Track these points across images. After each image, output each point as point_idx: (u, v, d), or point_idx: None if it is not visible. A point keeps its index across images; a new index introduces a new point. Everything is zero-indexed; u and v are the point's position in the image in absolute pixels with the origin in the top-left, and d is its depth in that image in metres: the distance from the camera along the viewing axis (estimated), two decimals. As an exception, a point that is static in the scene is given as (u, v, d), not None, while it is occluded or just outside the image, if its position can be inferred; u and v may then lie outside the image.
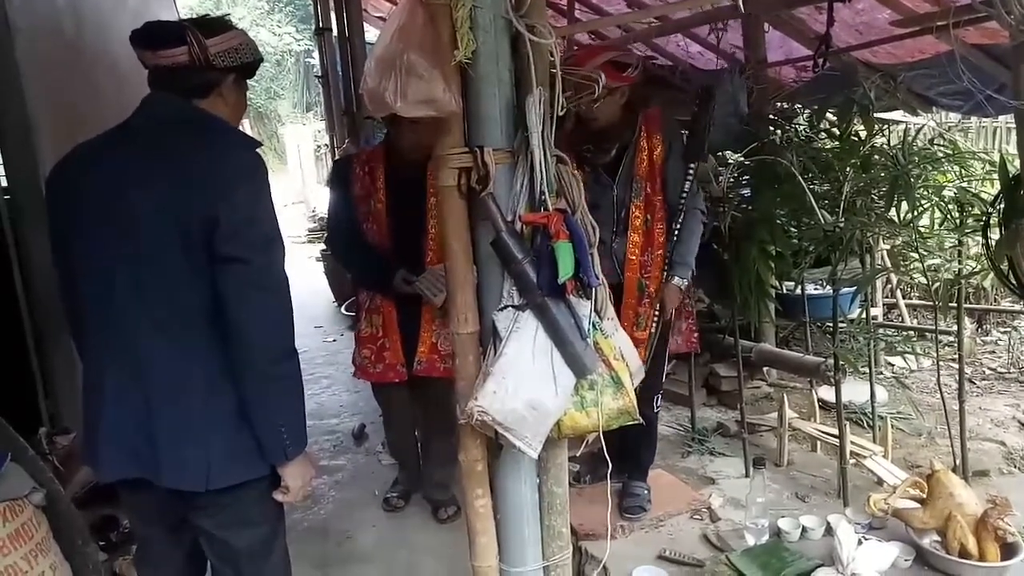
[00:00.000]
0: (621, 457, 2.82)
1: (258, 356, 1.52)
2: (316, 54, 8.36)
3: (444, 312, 2.71)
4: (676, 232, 2.68)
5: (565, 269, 1.49)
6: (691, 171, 2.65)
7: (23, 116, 3.10)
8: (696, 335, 2.99)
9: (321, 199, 11.97)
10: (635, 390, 1.67)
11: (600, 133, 2.61)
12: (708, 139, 2.65)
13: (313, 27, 7.25)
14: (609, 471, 1.79)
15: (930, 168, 2.77)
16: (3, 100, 3.07)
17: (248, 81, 1.73)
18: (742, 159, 3.40)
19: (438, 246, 2.71)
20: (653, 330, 2.73)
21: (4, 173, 3.19)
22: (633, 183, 2.66)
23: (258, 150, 1.64)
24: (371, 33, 6.28)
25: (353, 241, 2.81)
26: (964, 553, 2.17)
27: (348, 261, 3.06)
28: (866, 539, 2.37)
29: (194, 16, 1.67)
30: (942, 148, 2.91)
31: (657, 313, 2.72)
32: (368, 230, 2.78)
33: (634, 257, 2.69)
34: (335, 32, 6.16)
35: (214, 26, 1.60)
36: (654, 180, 2.67)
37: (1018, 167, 2.37)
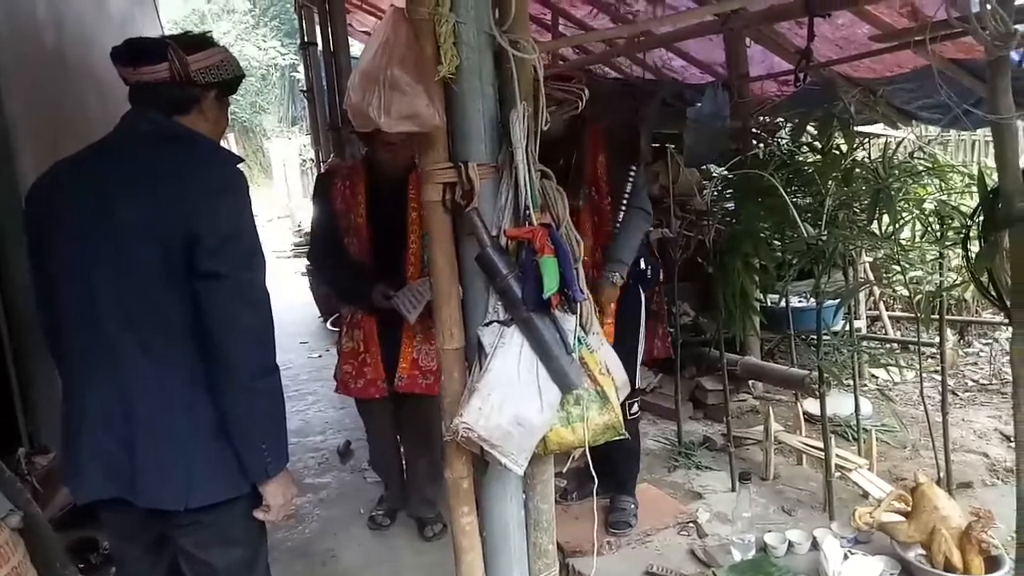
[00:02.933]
0: (607, 472, 2.80)
1: (239, 372, 1.50)
2: (301, 68, 8.36)
3: (425, 327, 2.71)
4: (616, 230, 2.71)
5: (550, 284, 1.48)
6: (631, 173, 2.70)
7: (3, 130, 3.06)
8: (668, 340, 3.03)
9: (306, 214, 11.95)
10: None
11: (547, 145, 2.63)
12: (645, 143, 2.69)
13: (298, 41, 7.26)
14: (595, 487, 1.78)
15: (910, 181, 2.79)
16: (-18, 114, 3.04)
17: (233, 95, 1.73)
18: (726, 173, 3.43)
19: (418, 260, 2.71)
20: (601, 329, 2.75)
21: (-17, 188, 3.15)
22: (580, 190, 2.70)
23: (240, 166, 1.63)
24: (356, 47, 6.29)
25: (334, 255, 2.81)
26: (949, 567, 2.17)
27: (329, 275, 3.06)
28: (852, 553, 2.37)
29: (178, 31, 1.66)
30: (922, 161, 2.94)
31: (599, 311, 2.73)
32: (349, 244, 2.78)
33: (586, 259, 2.71)
34: (320, 46, 6.17)
35: (195, 43, 1.60)
36: (599, 185, 2.72)
37: (996, 180, 2.40)
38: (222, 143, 1.76)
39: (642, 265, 2.78)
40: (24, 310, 3.08)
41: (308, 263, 7.28)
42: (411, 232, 2.70)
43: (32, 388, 3.19)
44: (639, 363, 2.89)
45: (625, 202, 2.69)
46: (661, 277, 2.95)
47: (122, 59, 1.57)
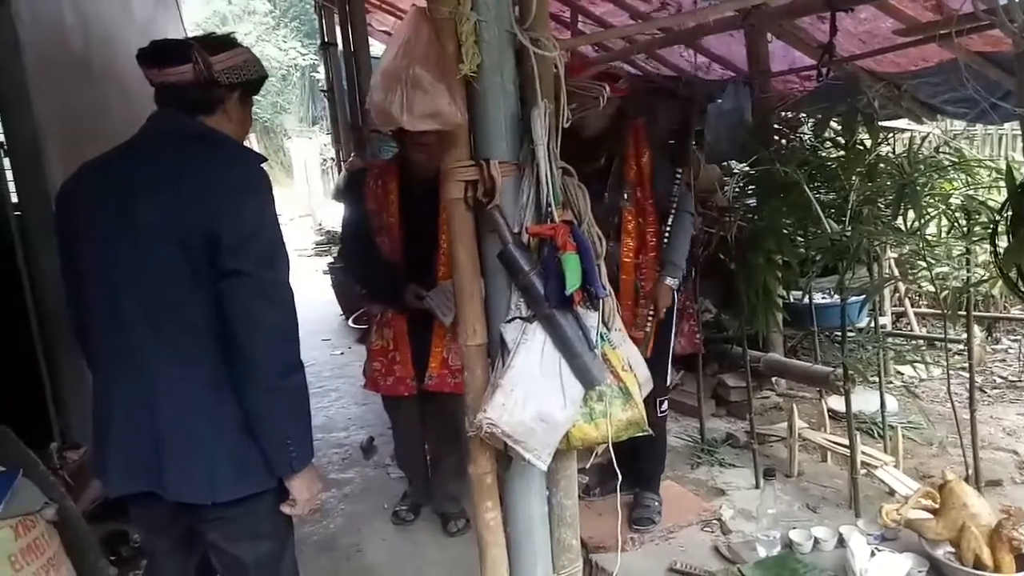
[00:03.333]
0: (631, 468, 2.81)
1: (264, 369, 1.52)
2: (322, 68, 8.42)
3: (454, 327, 2.72)
4: (667, 234, 2.73)
5: (572, 280, 1.48)
6: (678, 175, 2.71)
7: (32, 131, 3.12)
8: (699, 336, 3.03)
9: (327, 213, 12.03)
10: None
11: (589, 143, 2.65)
12: (693, 144, 2.70)
13: (318, 42, 7.31)
14: (619, 483, 1.78)
15: (936, 176, 2.75)
16: (13, 116, 3.10)
17: (254, 96, 1.74)
18: (747, 169, 3.40)
19: (449, 260, 2.72)
20: (648, 330, 2.76)
21: (14, 188, 3.21)
22: (624, 189, 2.72)
23: (263, 165, 1.65)
24: (376, 47, 6.33)
25: (365, 254, 2.81)
26: (979, 564, 2.14)
27: (360, 274, 3.07)
28: (879, 550, 2.35)
29: (200, 32, 1.68)
30: (948, 156, 2.90)
31: (651, 313, 2.74)
32: (381, 243, 2.79)
33: (628, 260, 2.75)
34: (340, 46, 6.21)
35: (219, 43, 1.62)
36: (643, 186, 2.73)
37: (1025, 174, 2.37)
38: (245, 143, 1.79)
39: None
40: (54, 308, 3.14)
41: (330, 261, 7.36)
42: (443, 232, 2.69)
43: (63, 384, 3.26)
44: (670, 361, 2.89)
45: (673, 205, 2.70)
46: (693, 273, 2.96)
47: (147, 60, 1.59)
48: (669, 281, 2.73)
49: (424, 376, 2.79)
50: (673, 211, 2.73)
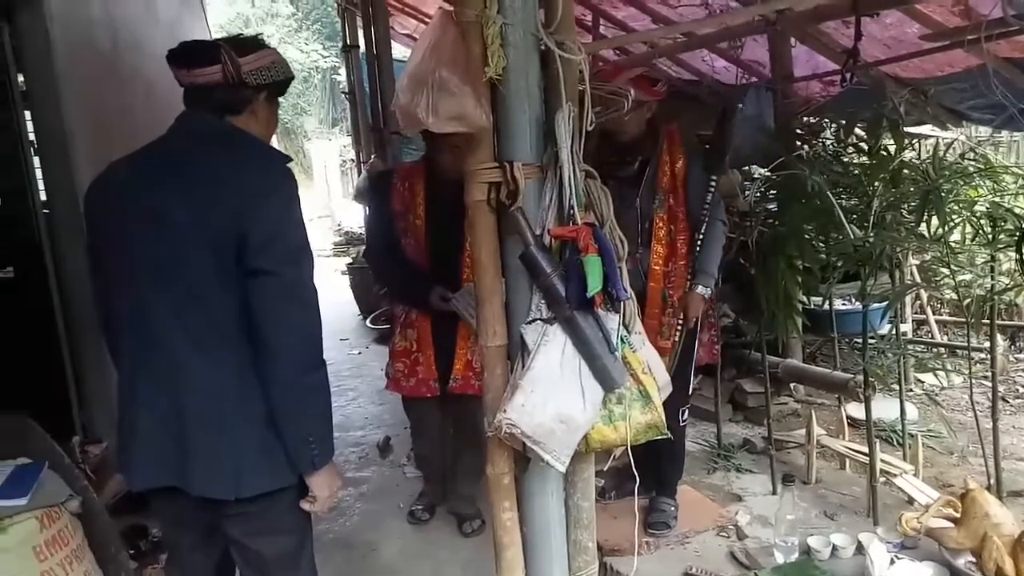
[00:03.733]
0: (649, 472, 2.80)
1: (288, 367, 1.54)
2: (343, 71, 8.47)
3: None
4: (699, 242, 2.70)
5: (594, 283, 1.49)
6: (712, 183, 2.68)
7: (61, 130, 3.17)
8: (718, 347, 3.00)
9: (346, 214, 12.11)
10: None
11: (624, 147, 2.65)
12: (729, 153, 2.67)
13: (340, 44, 7.36)
14: (636, 486, 1.78)
15: (961, 183, 2.73)
16: (42, 115, 3.15)
17: (279, 99, 1.76)
18: (768, 174, 3.38)
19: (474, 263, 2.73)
20: (676, 339, 2.74)
21: (43, 187, 3.26)
22: (656, 195, 2.70)
23: (288, 165, 1.67)
24: (398, 50, 6.36)
25: (391, 255, 2.82)
26: (1000, 574, 2.12)
27: (385, 275, 3.08)
28: (898, 559, 2.33)
29: (225, 34, 1.71)
30: (973, 162, 2.87)
31: (680, 322, 2.73)
32: (406, 245, 2.79)
33: (658, 267, 2.72)
34: (362, 49, 6.25)
35: (247, 45, 1.64)
36: (676, 192, 2.71)
37: (1052, 181, 2.34)
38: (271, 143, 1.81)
39: None
40: (79, 305, 3.19)
41: (349, 262, 7.41)
42: (469, 235, 2.70)
43: (86, 380, 3.31)
44: (693, 370, 2.88)
45: (706, 213, 2.68)
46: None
47: (177, 61, 1.61)
48: (701, 290, 2.70)
49: (448, 378, 2.80)
50: (705, 219, 2.69)
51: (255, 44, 1.67)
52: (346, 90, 7.73)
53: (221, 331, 1.55)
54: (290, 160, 1.75)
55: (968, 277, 2.87)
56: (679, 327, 2.74)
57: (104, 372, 2.97)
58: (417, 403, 2.95)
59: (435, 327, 2.79)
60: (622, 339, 1.62)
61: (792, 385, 4.13)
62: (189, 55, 1.62)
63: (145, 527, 2.78)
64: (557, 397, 1.51)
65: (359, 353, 5.91)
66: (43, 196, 3.27)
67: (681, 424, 2.90)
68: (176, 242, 1.52)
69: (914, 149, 2.99)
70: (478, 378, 2.73)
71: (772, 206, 3.37)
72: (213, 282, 1.53)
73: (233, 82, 1.60)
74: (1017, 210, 2.68)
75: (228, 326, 1.55)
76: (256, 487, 1.59)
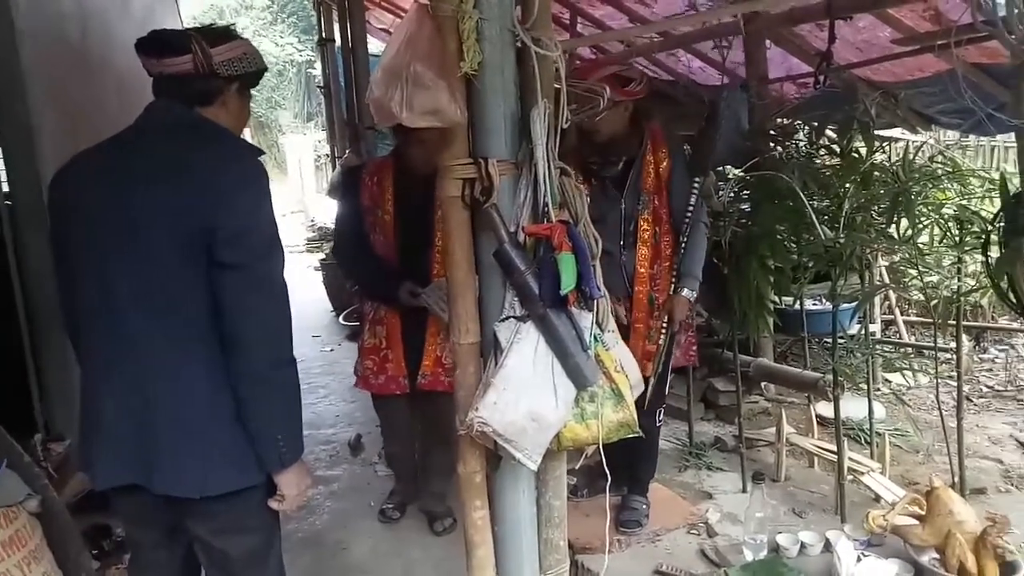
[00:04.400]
0: (621, 470, 2.81)
1: (256, 363, 1.52)
2: (318, 65, 8.40)
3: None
4: (683, 244, 2.71)
5: (567, 281, 1.48)
6: (696, 185, 2.68)
7: (26, 120, 3.10)
8: (695, 348, 3.00)
9: (320, 209, 12.01)
10: (636, 402, 1.67)
11: (605, 146, 2.63)
12: (713, 154, 2.67)
13: (316, 38, 7.30)
14: (608, 484, 1.78)
15: (930, 185, 2.77)
16: (7, 105, 3.07)
17: (250, 90, 1.73)
18: (742, 174, 3.41)
19: (444, 259, 2.71)
20: (662, 343, 2.74)
21: (5, 178, 3.19)
22: (640, 196, 2.69)
23: (260, 158, 1.64)
24: (374, 44, 6.31)
25: (359, 251, 2.80)
26: (963, 571, 2.15)
27: (354, 271, 3.05)
28: (865, 556, 2.36)
29: (197, 25, 1.67)
30: (942, 166, 2.92)
31: (665, 325, 2.73)
32: (375, 241, 2.77)
33: (643, 270, 2.72)
34: (338, 43, 6.20)
35: (219, 35, 1.61)
36: (661, 193, 2.70)
37: (1018, 185, 2.38)
38: (241, 136, 1.78)
39: None
40: (42, 299, 3.11)
41: (322, 257, 7.34)
42: (438, 230, 2.68)
43: (48, 377, 3.23)
44: (669, 372, 2.89)
45: (689, 215, 2.67)
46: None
47: (146, 50, 1.58)
48: (687, 293, 2.70)
49: (416, 375, 2.78)
50: (688, 221, 2.69)
51: (227, 35, 1.63)
52: (321, 84, 7.66)
53: (188, 325, 1.52)
54: (262, 153, 1.72)
55: (935, 278, 2.92)
56: (663, 330, 2.75)
57: (68, 368, 2.91)
58: (387, 401, 2.93)
59: (404, 324, 2.77)
60: (595, 337, 1.62)
61: (763, 384, 4.18)
62: (159, 44, 1.58)
63: (109, 526, 2.73)
64: (529, 395, 1.51)
65: (331, 350, 5.86)
66: (5, 187, 3.19)
67: (657, 424, 2.91)
68: (144, 234, 1.49)
69: (885, 152, 3.03)
70: (447, 374, 2.73)
71: (745, 206, 3.39)
72: (183, 275, 1.50)
73: (204, 72, 1.57)
74: (984, 213, 2.72)
75: (196, 320, 1.52)
76: (223, 485, 1.56)
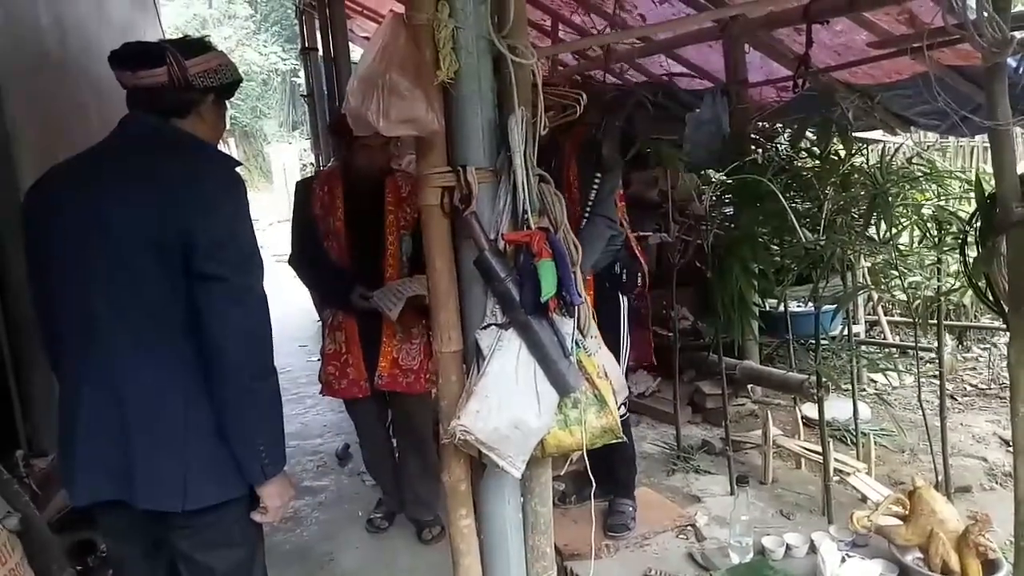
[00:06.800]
0: (605, 475, 2.80)
1: (236, 373, 1.51)
2: (302, 73, 8.38)
3: (405, 327, 2.75)
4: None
5: (548, 287, 1.49)
6: (596, 181, 2.69)
7: (4, 134, 3.07)
8: (651, 347, 3.00)
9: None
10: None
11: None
12: (607, 151, 2.67)
13: (299, 47, 7.28)
14: (594, 490, 1.78)
15: (908, 187, 2.80)
16: (-16, 119, 3.04)
17: (234, 100, 1.73)
18: (724, 178, 3.43)
19: (397, 262, 2.74)
20: None
21: (-17, 191, 3.15)
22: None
23: (237, 168, 1.64)
24: (356, 53, 6.29)
25: (313, 259, 2.84)
26: (946, 570, 2.17)
27: (308, 279, 3.08)
28: (849, 556, 2.37)
29: (179, 36, 1.67)
30: (920, 167, 2.95)
31: None
32: (329, 248, 2.81)
33: None
34: (321, 52, 6.18)
35: (194, 47, 1.61)
36: (571, 192, 2.71)
37: (994, 185, 2.40)
38: (221, 147, 1.77)
39: (616, 270, 2.79)
40: (23, 313, 3.08)
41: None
42: (389, 234, 2.75)
43: (30, 391, 3.19)
44: (623, 369, 2.88)
45: (588, 210, 2.68)
46: (642, 281, 2.91)
47: (121, 63, 1.57)
48: None
49: (375, 376, 2.80)
50: (587, 216, 2.68)
51: (202, 46, 1.63)
52: (305, 93, 7.64)
53: (167, 337, 1.51)
54: (239, 164, 1.72)
55: (917, 279, 2.94)
56: None
57: (49, 382, 2.86)
58: (355, 405, 2.96)
59: (362, 328, 2.81)
60: (577, 343, 1.62)
61: (749, 386, 4.19)
62: (133, 57, 1.58)
63: (94, 542, 2.69)
64: (512, 402, 1.50)
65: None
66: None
67: (621, 419, 2.89)
68: (121, 247, 1.48)
69: (863, 154, 3.05)
70: (405, 375, 2.78)
71: (728, 210, 3.41)
72: (160, 288, 1.49)
73: (179, 84, 1.57)
74: (961, 213, 2.75)
75: (175, 332, 1.51)
76: (205, 498, 1.55)
